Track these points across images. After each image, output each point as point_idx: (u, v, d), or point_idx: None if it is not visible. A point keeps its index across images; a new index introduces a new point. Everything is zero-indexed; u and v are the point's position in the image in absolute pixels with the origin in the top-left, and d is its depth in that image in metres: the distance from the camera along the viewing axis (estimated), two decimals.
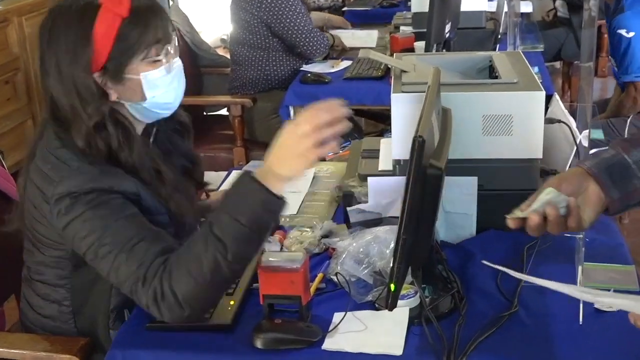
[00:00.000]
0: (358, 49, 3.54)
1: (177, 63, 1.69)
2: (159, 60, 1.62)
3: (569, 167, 1.81)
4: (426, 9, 2.88)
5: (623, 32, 3.45)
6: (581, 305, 1.47)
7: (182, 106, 1.85)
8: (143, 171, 1.62)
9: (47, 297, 1.74)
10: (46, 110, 1.65)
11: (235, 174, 2.23)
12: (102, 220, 1.51)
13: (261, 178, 1.43)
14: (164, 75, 1.64)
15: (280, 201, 1.45)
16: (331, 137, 1.42)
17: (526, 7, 4.19)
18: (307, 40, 3.56)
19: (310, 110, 1.43)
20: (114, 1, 1.56)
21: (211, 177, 2.32)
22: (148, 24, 1.58)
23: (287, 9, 3.52)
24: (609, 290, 1.52)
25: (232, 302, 1.59)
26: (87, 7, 1.56)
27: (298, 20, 3.53)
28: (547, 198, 1.32)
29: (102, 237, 1.50)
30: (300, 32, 3.54)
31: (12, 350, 1.69)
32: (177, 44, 1.70)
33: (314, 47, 3.59)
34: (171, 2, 6.88)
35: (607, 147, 1.39)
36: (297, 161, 1.43)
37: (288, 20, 3.52)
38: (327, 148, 1.43)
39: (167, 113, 1.72)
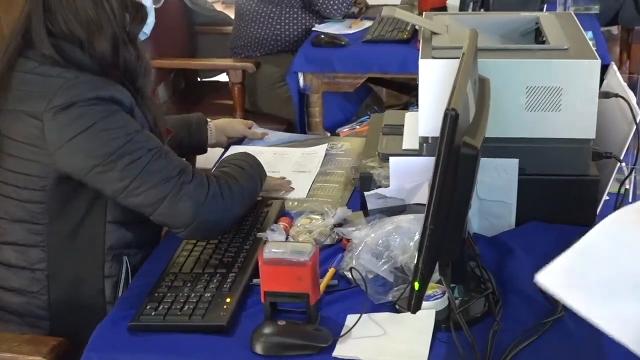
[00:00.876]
0: (380, 6, 3.53)
1: None
2: None
3: (627, 149, 1.81)
4: None
5: None
6: None
7: (174, 70, 2.09)
8: (145, 83, 1.86)
9: (16, 263, 1.79)
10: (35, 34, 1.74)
11: (234, 149, 2.29)
12: (123, 129, 1.70)
13: None
14: (153, 5, 1.93)
15: None
16: None
17: None
18: None
19: None
20: None
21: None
22: None
23: None
24: None
25: (228, 300, 1.60)
26: None
27: None
28: None
29: (128, 143, 1.68)
30: None
31: None
32: None
33: (335, 5, 3.57)
34: None
35: None
36: None
37: None
38: None
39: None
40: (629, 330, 1.08)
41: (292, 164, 2.25)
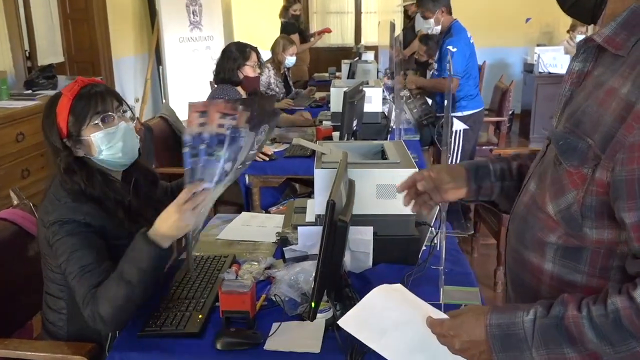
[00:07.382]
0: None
1: (121, 127, 1.66)
2: (99, 125, 1.63)
3: (434, 220, 1.85)
4: (341, 109, 2.93)
5: (450, 47, 4.02)
6: None
7: (171, 175, 1.84)
8: (107, 202, 1.63)
9: (53, 306, 1.71)
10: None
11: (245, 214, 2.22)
12: (72, 247, 1.54)
13: (154, 237, 1.47)
14: (107, 135, 1.63)
15: (167, 251, 1.49)
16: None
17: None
18: None
19: (185, 191, 1.43)
20: (68, 88, 1.63)
21: None
22: (89, 100, 1.61)
23: None
24: (462, 305, 1.56)
25: (200, 316, 1.57)
26: (55, 96, 1.65)
27: None
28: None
29: (69, 259, 1.54)
30: None
31: (37, 353, 1.63)
32: (129, 115, 1.70)
33: None
34: (163, 100, 6.82)
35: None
36: (177, 224, 1.45)
37: None
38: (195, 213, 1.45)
39: (123, 162, 1.70)
40: (396, 353, 1.14)
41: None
